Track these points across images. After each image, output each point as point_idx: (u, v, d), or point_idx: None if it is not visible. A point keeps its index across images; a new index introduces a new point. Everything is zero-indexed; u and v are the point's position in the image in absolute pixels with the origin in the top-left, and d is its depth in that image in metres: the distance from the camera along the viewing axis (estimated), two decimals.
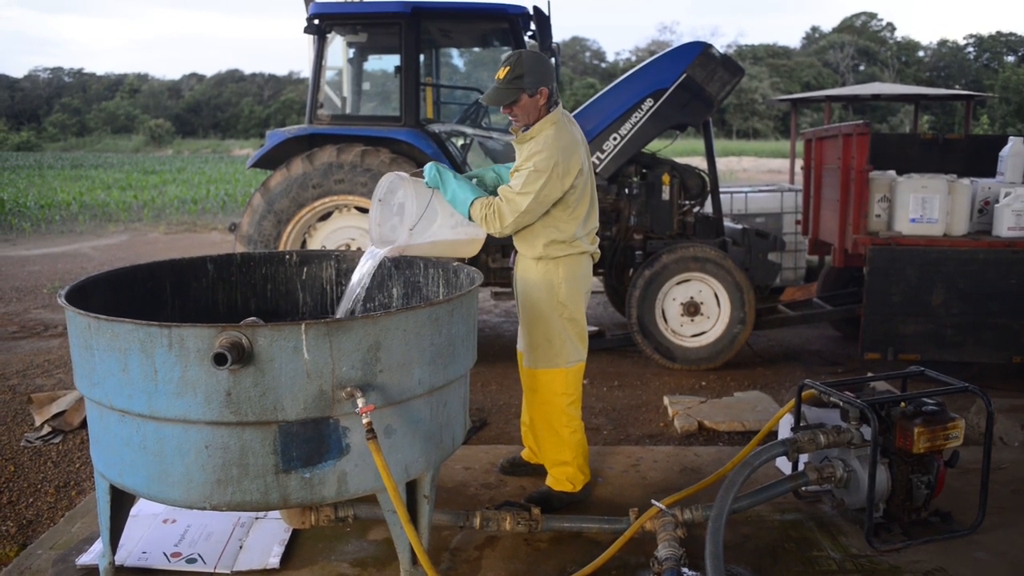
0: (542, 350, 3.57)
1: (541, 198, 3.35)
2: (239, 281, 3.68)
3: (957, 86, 44.82)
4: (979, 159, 6.34)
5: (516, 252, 3.68)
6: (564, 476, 3.68)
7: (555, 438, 3.64)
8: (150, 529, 3.37)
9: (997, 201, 5.63)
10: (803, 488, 3.45)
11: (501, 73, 3.36)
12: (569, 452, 3.65)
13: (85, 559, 3.15)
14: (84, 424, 4.88)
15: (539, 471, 3.88)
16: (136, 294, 3.31)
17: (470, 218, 3.44)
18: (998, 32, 61.04)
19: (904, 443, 3.27)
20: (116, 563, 2.99)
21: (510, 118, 3.51)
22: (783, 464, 3.95)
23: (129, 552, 3.18)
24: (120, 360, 2.49)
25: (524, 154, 3.41)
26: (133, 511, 3.26)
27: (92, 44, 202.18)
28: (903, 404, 3.37)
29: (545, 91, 3.40)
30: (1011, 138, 5.91)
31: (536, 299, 3.56)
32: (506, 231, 3.40)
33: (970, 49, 61.81)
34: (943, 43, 63.39)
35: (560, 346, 3.56)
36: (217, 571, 3.09)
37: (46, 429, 4.96)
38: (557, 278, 3.53)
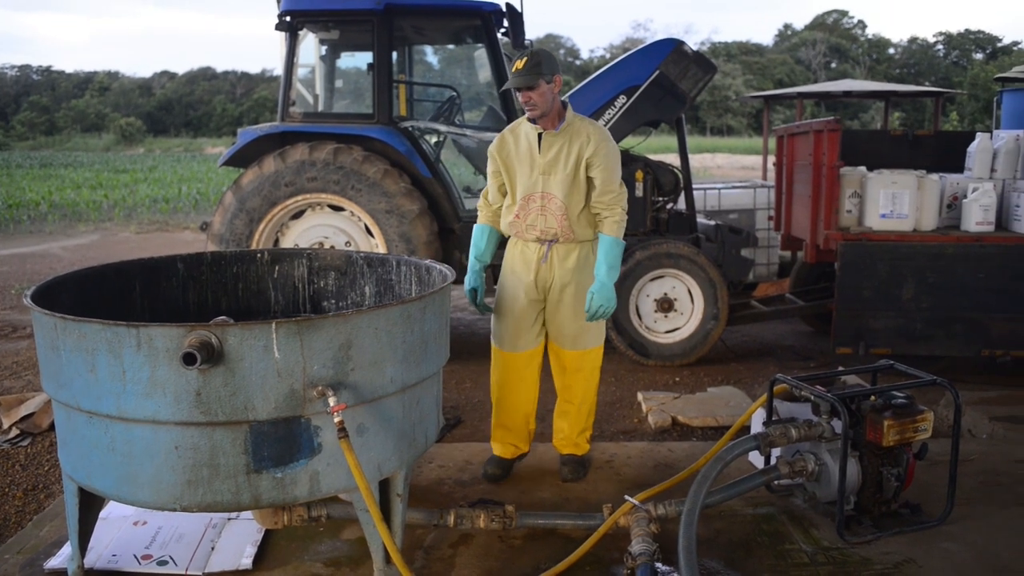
0: (591, 332, 3.86)
1: None
2: (210, 280, 3.65)
3: (927, 83, 45.26)
4: (948, 155, 6.40)
5: (550, 247, 3.75)
6: (586, 439, 4.07)
7: (587, 407, 4.01)
8: (120, 531, 3.34)
9: (965, 196, 5.70)
10: (775, 482, 3.48)
11: (520, 64, 3.52)
12: (593, 415, 4.07)
13: (54, 563, 3.11)
14: (53, 426, 4.82)
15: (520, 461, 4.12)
16: (105, 294, 3.27)
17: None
18: (967, 30, 61.73)
19: (874, 436, 3.30)
20: (85, 566, 2.96)
21: (524, 106, 3.61)
22: (756, 458, 3.98)
23: (99, 555, 3.14)
24: (87, 361, 2.47)
25: (580, 148, 3.61)
26: (103, 513, 3.22)
27: (60, 41, 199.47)
28: (873, 398, 3.40)
29: (559, 79, 3.61)
30: (979, 134, 5.98)
31: (586, 284, 3.75)
32: None
33: (939, 47, 62.51)
34: (913, 40, 64.07)
35: (601, 322, 3.85)
36: (189, 573, 3.06)
37: (14, 432, 4.89)
38: (594, 254, 3.80)
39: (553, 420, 4.12)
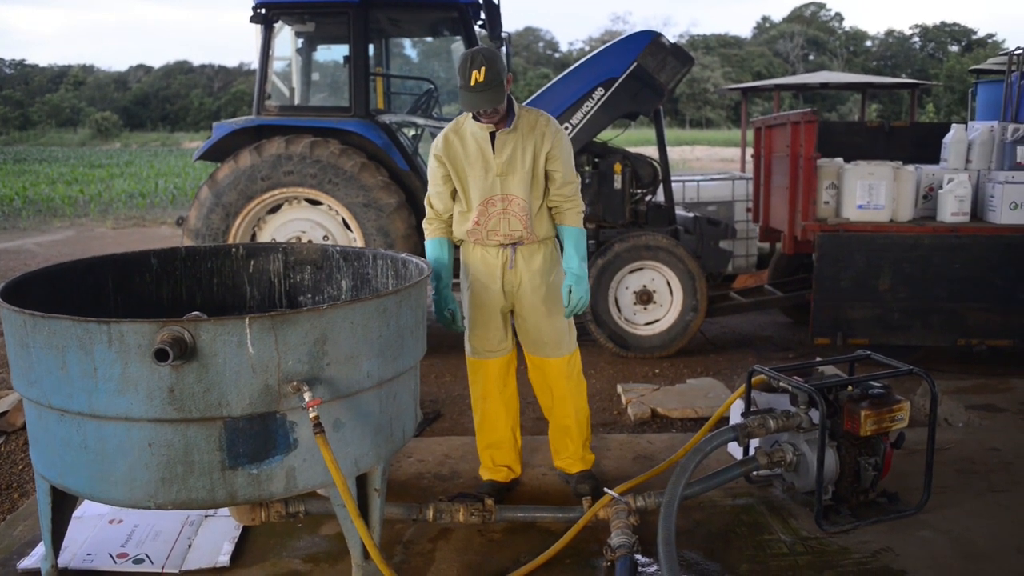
0: (569, 332, 3.70)
1: None
2: (184, 275, 3.60)
3: (903, 75, 45.59)
4: (924, 146, 6.45)
5: (514, 251, 3.53)
6: (589, 448, 3.85)
7: (584, 414, 3.80)
8: (95, 530, 3.30)
9: (941, 187, 5.74)
10: (754, 473, 3.49)
11: (479, 76, 3.16)
12: (589, 424, 3.84)
13: (27, 563, 3.07)
14: None
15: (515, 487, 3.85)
16: (76, 290, 3.22)
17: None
18: (942, 22, 62.42)
19: (851, 426, 3.31)
20: (60, 566, 2.92)
21: (485, 118, 3.34)
22: (735, 449, 3.99)
23: (73, 554, 3.10)
24: (58, 358, 2.43)
25: (536, 144, 3.41)
26: (78, 512, 3.18)
27: (33, 33, 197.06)
28: (850, 388, 3.41)
29: (511, 77, 3.43)
30: (954, 125, 6.03)
31: (556, 283, 3.61)
32: None
33: (916, 39, 63.07)
34: (890, 33, 64.71)
35: (572, 323, 3.71)
36: (165, 571, 3.03)
37: None
38: (557, 249, 3.67)
39: (551, 441, 3.86)
